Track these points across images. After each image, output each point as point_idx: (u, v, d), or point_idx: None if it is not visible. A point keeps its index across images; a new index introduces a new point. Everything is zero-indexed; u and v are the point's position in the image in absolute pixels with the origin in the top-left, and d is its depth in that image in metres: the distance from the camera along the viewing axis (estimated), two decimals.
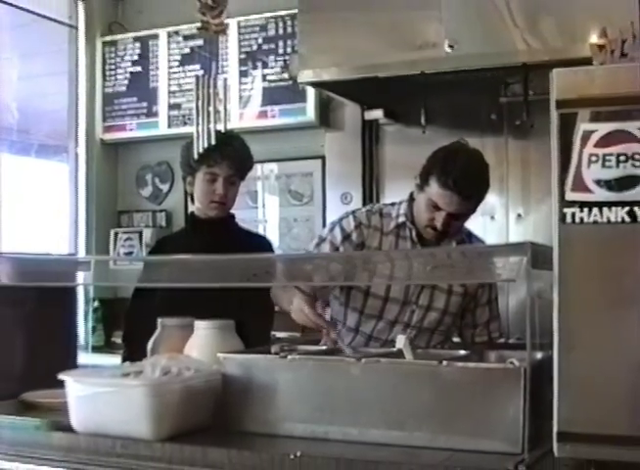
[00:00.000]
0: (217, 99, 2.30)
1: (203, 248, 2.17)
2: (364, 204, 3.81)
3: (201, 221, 2.51)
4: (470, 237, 2.31)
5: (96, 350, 4.19)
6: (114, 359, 3.76)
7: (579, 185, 1.30)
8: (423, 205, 2.16)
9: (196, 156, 1.97)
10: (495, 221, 3.69)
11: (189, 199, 2.60)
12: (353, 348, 1.88)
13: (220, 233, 2.47)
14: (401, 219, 2.24)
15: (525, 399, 1.40)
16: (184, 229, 2.76)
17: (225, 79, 2.60)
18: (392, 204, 2.32)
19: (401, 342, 1.66)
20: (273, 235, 4.06)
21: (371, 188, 3.89)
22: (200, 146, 1.92)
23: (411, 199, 2.27)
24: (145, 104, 4.39)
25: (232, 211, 2.55)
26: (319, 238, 2.27)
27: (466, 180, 2.09)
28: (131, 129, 4.41)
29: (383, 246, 2.23)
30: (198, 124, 1.96)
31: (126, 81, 4.45)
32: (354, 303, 2.27)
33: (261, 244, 2.56)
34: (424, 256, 1.55)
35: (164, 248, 2.53)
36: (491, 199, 3.71)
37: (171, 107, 4.32)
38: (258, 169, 4.18)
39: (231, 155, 2.42)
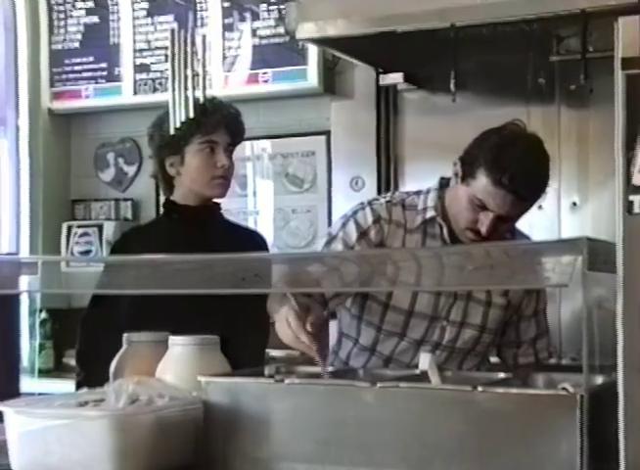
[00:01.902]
0: (195, 59, 2.31)
1: (182, 244, 2.18)
2: (379, 191, 3.83)
3: (183, 210, 2.52)
4: (512, 233, 2.27)
5: (44, 373, 4.21)
6: (67, 385, 3.79)
7: None
8: (465, 201, 2.13)
9: (172, 130, 1.98)
10: (544, 212, 3.69)
11: (162, 186, 2.61)
12: (365, 369, 1.89)
13: (205, 226, 2.49)
14: (430, 214, 2.22)
15: (581, 435, 1.41)
16: (157, 220, 2.78)
17: (204, 36, 2.61)
18: (418, 193, 2.29)
19: (426, 362, 1.67)
20: (266, 230, 4.08)
21: (388, 171, 3.91)
22: (177, 119, 1.93)
23: (442, 187, 2.25)
24: (104, 65, 4.40)
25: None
26: (329, 235, 2.25)
27: (525, 178, 2.07)
28: (87, 97, 4.43)
29: (406, 245, 2.21)
30: (174, 91, 1.97)
31: (79, 36, 4.46)
32: (370, 316, 2.26)
33: (253, 240, 2.58)
34: (457, 254, 1.56)
35: (132, 244, 2.54)
36: None
37: (138, 69, 4.34)
38: (247, 148, 4.20)
39: (228, 119, 2.47)
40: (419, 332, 2.24)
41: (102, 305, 2.50)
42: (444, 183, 2.26)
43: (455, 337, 2.25)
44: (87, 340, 2.56)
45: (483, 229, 2.12)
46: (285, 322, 1.93)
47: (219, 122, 2.45)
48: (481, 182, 2.09)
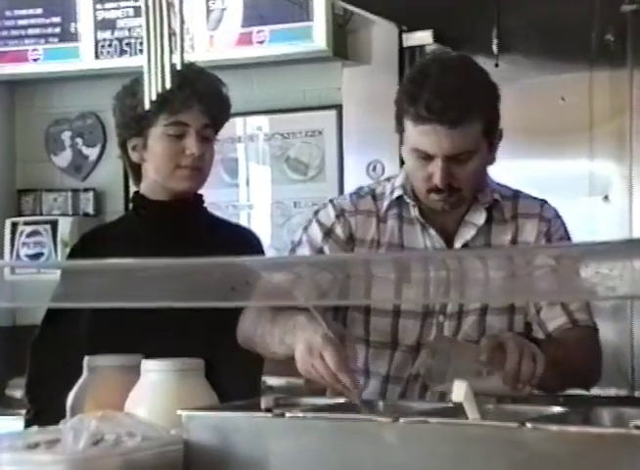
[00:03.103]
0: (172, 12, 2.31)
1: (155, 246, 2.19)
2: None
3: (153, 205, 2.54)
4: (516, 199, 2.35)
5: None
6: (12, 423, 3.81)
7: None
8: (410, 159, 2.25)
9: (147, 103, 1.99)
10: (610, 204, 3.72)
11: (131, 174, 2.63)
12: (385, 400, 1.90)
13: (183, 223, 2.51)
14: (397, 193, 2.33)
15: None
16: (125, 218, 2.79)
17: None
18: (389, 178, 2.42)
19: (460, 391, 1.68)
20: (262, 228, 4.11)
21: None
22: (152, 89, 1.94)
23: None
24: (57, 19, 4.42)
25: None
26: (292, 243, 2.38)
27: (443, 99, 2.15)
28: (35, 60, 4.45)
29: (381, 236, 2.31)
30: (150, 54, 1.97)
31: None
32: (353, 328, 2.32)
33: (243, 241, 2.59)
34: (485, 257, 1.57)
35: (94, 247, 2.56)
36: (604, 169, 3.73)
37: (100, 25, 4.36)
38: (239, 126, 4.22)
39: (203, 93, 2.46)
40: (412, 336, 2.29)
41: (58, 321, 2.51)
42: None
43: (455, 331, 2.29)
44: (39, 366, 2.58)
45: (437, 180, 2.20)
46: (317, 358, 1.97)
47: (190, 98, 2.43)
48: (409, 128, 2.20)
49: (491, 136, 2.24)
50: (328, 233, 2.33)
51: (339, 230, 2.32)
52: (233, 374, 2.16)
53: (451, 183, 2.20)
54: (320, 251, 2.31)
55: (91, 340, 2.37)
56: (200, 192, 2.59)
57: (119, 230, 2.64)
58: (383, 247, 2.30)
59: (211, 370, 1.91)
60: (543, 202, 2.37)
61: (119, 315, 2.00)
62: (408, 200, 2.31)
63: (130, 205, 2.69)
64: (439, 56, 2.29)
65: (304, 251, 2.32)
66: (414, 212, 2.31)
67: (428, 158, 2.19)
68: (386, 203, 2.34)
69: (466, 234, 2.29)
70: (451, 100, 2.16)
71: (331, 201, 2.39)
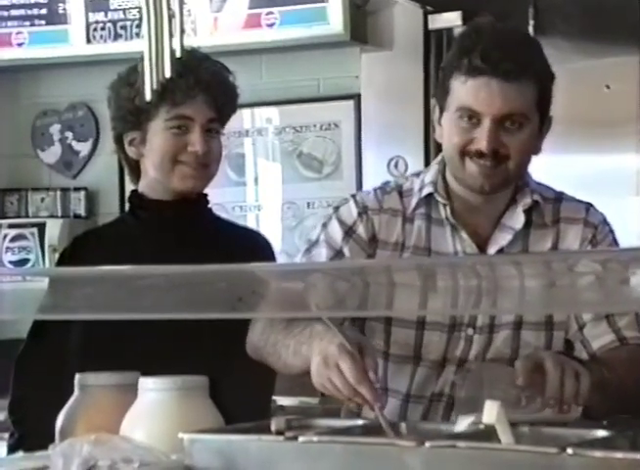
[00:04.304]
0: None
1: (155, 251, 2.20)
2: None
3: (152, 205, 2.56)
4: (558, 202, 2.35)
5: None
6: None
7: None
8: (452, 127, 2.25)
9: (148, 93, 2.00)
10: None
11: (128, 172, 2.64)
12: (408, 421, 1.91)
13: (186, 226, 2.52)
14: (426, 191, 2.32)
15: None
16: (121, 220, 2.80)
17: None
18: (418, 173, 2.42)
19: (492, 412, 1.69)
20: (272, 230, 4.12)
21: (439, 147, 3.89)
22: (153, 78, 1.95)
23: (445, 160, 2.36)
24: (44, 0, 4.44)
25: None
26: (308, 242, 2.38)
27: (502, 49, 2.19)
28: (20, 44, 4.47)
29: (407, 237, 2.33)
30: (150, 38, 1.98)
31: None
32: (372, 340, 2.31)
33: (251, 245, 2.60)
34: (521, 263, 1.57)
35: (87, 251, 2.58)
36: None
37: (92, 6, 4.37)
38: (246, 118, 4.24)
39: (208, 83, 2.47)
40: (437, 350, 2.30)
41: (45, 335, 2.53)
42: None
43: (485, 347, 2.29)
44: (24, 385, 2.59)
45: (483, 144, 2.20)
46: (334, 370, 1.98)
47: (193, 88, 2.44)
48: (456, 86, 2.22)
49: (543, 112, 2.25)
50: (349, 232, 2.33)
51: (361, 229, 2.32)
52: (241, 393, 2.17)
53: (498, 149, 2.21)
54: (339, 251, 2.31)
55: (83, 356, 2.38)
56: (204, 191, 2.60)
57: (115, 233, 2.66)
58: (408, 250, 2.31)
59: (217, 389, 1.92)
60: (589, 205, 2.37)
61: (114, 328, 2.01)
62: (439, 198, 2.31)
63: (127, 205, 2.70)
64: (493, 20, 2.32)
65: (322, 251, 2.32)
66: (445, 212, 2.31)
67: (475, 120, 2.20)
68: (414, 201, 2.34)
69: (501, 239, 2.29)
70: (509, 52, 2.19)
71: (353, 196, 2.39)
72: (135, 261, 1.66)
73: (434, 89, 2.31)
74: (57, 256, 4.19)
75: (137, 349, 2.16)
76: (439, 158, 2.38)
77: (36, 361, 2.54)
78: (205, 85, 2.45)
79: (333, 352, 1.99)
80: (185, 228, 2.53)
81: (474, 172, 2.24)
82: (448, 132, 2.26)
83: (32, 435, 2.31)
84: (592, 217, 2.34)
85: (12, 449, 2.40)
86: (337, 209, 2.38)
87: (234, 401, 2.00)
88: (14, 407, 2.59)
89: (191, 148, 2.46)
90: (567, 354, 2.22)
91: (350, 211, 2.34)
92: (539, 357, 2.04)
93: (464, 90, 2.20)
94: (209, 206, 2.63)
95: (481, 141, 2.20)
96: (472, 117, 2.20)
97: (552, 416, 2.05)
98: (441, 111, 2.28)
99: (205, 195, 2.60)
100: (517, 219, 2.30)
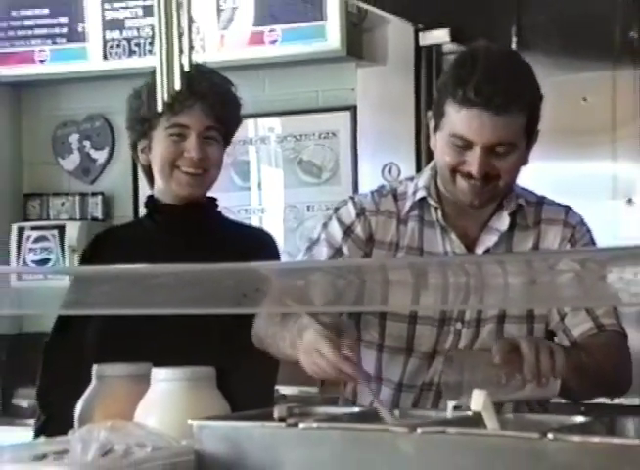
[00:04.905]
0: (181, 12, 2.31)
1: (167, 251, 2.19)
2: None
3: (165, 209, 2.55)
4: (540, 205, 2.35)
5: None
6: (19, 433, 3.82)
7: None
8: (444, 147, 2.23)
9: (160, 104, 1.99)
10: (634, 207, 3.71)
11: (145, 177, 2.64)
12: (401, 409, 1.91)
13: (194, 228, 2.51)
14: (420, 195, 2.32)
15: None
16: (138, 222, 2.80)
17: None
18: (412, 178, 2.42)
19: (479, 400, 1.69)
20: (275, 232, 4.08)
21: (430, 155, 3.86)
22: (164, 90, 1.94)
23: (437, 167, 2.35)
24: (64, 19, 4.44)
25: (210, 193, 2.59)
26: (310, 240, 2.39)
27: (494, 84, 2.16)
28: (42, 61, 4.47)
29: (401, 238, 2.32)
30: (162, 53, 1.98)
31: None
32: (368, 333, 2.34)
33: (256, 244, 2.59)
34: (505, 262, 1.56)
35: (106, 249, 2.58)
36: (627, 171, 3.72)
37: (108, 25, 4.37)
38: (250, 128, 4.23)
39: (205, 94, 2.46)
40: (428, 342, 2.30)
41: (69, 328, 2.53)
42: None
43: (472, 340, 2.29)
44: (51, 373, 2.58)
45: (474, 169, 2.19)
46: (315, 353, 1.99)
47: (189, 98, 2.41)
48: (451, 113, 2.20)
49: (531, 134, 2.24)
50: (347, 232, 2.33)
51: (359, 229, 2.33)
52: (246, 383, 2.16)
53: (488, 173, 2.20)
54: (339, 249, 2.32)
55: (100, 348, 2.38)
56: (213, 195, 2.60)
57: (132, 234, 2.66)
58: (402, 250, 2.30)
59: (224, 379, 1.91)
60: (568, 208, 2.37)
61: (129, 323, 2.00)
62: (431, 201, 2.31)
63: (141, 208, 2.70)
64: (487, 45, 2.29)
65: (322, 249, 2.33)
66: (436, 215, 2.31)
67: (466, 146, 2.19)
68: (408, 204, 2.34)
69: (488, 240, 2.29)
70: (500, 86, 2.17)
71: (352, 198, 2.40)
72: (150, 260, 1.66)
73: (431, 105, 2.28)
74: (76, 255, 4.22)
75: (150, 342, 2.16)
76: (432, 164, 2.37)
77: (61, 352, 2.54)
78: (201, 95, 2.43)
79: (312, 339, 2.00)
80: (195, 230, 2.52)
81: (464, 189, 2.24)
82: (441, 150, 2.25)
83: (56, 419, 2.31)
84: (571, 219, 2.35)
85: (38, 433, 2.40)
86: (337, 210, 2.37)
87: (240, 391, 1.99)
88: (40, 395, 2.60)
89: (187, 154, 2.45)
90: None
91: (349, 212, 2.34)
92: (514, 339, 2.04)
93: (457, 118, 2.18)
94: (218, 209, 2.62)
95: (473, 166, 2.19)
96: (464, 143, 2.19)
97: (532, 392, 2.05)
98: (436, 127, 2.26)
99: (214, 199, 2.60)
100: (502, 222, 2.30)
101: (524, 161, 2.27)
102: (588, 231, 2.36)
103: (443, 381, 2.20)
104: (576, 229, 2.34)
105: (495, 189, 2.24)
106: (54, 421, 2.36)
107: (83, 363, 2.06)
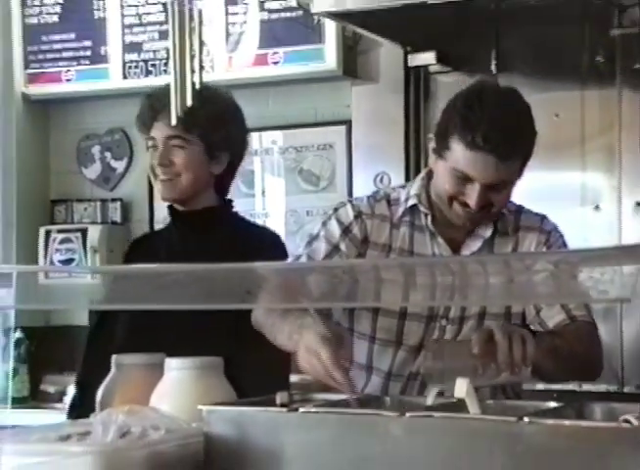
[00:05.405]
0: (193, 36, 2.31)
1: (181, 254, 2.20)
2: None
3: (178, 214, 2.56)
4: (518, 214, 2.35)
5: (18, 403, 4.24)
6: (45, 416, 3.81)
7: None
8: (446, 176, 2.20)
9: (174, 119, 2.00)
10: (601, 213, 3.71)
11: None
12: (392, 396, 1.90)
13: (205, 232, 2.51)
14: (412, 202, 2.31)
15: None
16: (168, 227, 2.80)
17: (200, 11, 2.60)
18: (404, 186, 2.41)
19: (462, 388, 1.68)
20: None
21: (418, 165, 3.92)
22: (178, 106, 1.94)
23: (429, 175, 2.33)
24: (88, 43, 4.44)
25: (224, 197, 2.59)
26: (309, 236, 2.37)
27: (502, 132, 2.13)
28: (68, 80, 4.47)
29: (393, 241, 2.31)
30: (176, 73, 1.98)
31: (58, 8, 4.49)
32: (361, 326, 2.33)
33: (267, 244, 2.56)
34: (488, 263, 1.56)
35: (138, 253, 2.60)
36: (595, 180, 3.73)
37: (127, 48, 4.37)
38: (255, 140, 4.22)
39: (166, 109, 2.47)
40: (416, 337, 2.29)
41: (104, 323, 2.55)
42: (432, 172, 2.32)
43: (456, 335, 2.30)
44: (89, 361, 2.57)
45: (472, 203, 2.18)
46: (314, 356, 1.99)
47: (156, 115, 2.46)
48: (457, 150, 2.16)
49: (526, 164, 2.23)
50: (345, 231, 2.32)
51: (356, 230, 2.31)
52: (255, 372, 2.16)
53: (484, 204, 2.19)
54: (337, 246, 2.30)
55: (126, 340, 2.40)
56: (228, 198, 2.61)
57: (159, 237, 2.68)
58: (394, 252, 2.29)
59: (234, 368, 1.92)
60: (544, 216, 2.37)
61: (151, 316, 2.00)
62: (422, 208, 2.30)
63: (156, 213, 2.72)
64: (493, 86, 2.26)
65: (321, 245, 2.31)
66: (426, 221, 2.29)
67: (467, 179, 2.17)
68: (400, 209, 2.32)
69: (473, 245, 2.28)
70: (507, 135, 2.14)
71: (350, 201, 2.39)
72: (169, 261, 1.66)
73: (435, 130, 2.25)
74: (97, 256, 4.24)
75: (164, 334, 2.16)
76: (423, 174, 2.36)
77: (96, 345, 2.53)
78: (162, 112, 2.41)
79: (315, 343, 1.99)
80: (203, 233, 2.52)
81: (459, 214, 2.23)
82: (442, 179, 2.22)
83: (85, 405, 2.31)
84: (546, 226, 2.34)
85: (71, 411, 2.45)
86: (336, 210, 2.36)
87: (249, 379, 2.00)
88: (77, 381, 2.61)
89: (154, 161, 2.47)
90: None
91: (347, 214, 2.33)
92: (491, 330, 2.03)
93: (463, 157, 2.15)
94: (231, 211, 2.62)
95: (471, 198, 2.17)
96: (465, 176, 2.16)
97: (506, 378, 2.05)
98: (439, 155, 2.22)
99: (230, 201, 2.60)
100: (486, 229, 2.29)
101: (518, 179, 2.26)
102: (561, 236, 2.36)
103: (424, 367, 2.19)
104: (551, 234, 2.33)
105: (488, 214, 2.24)
106: (82, 406, 2.36)
107: (113, 351, 2.07)
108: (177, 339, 2.14)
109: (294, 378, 2.40)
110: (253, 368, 2.20)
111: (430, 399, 1.74)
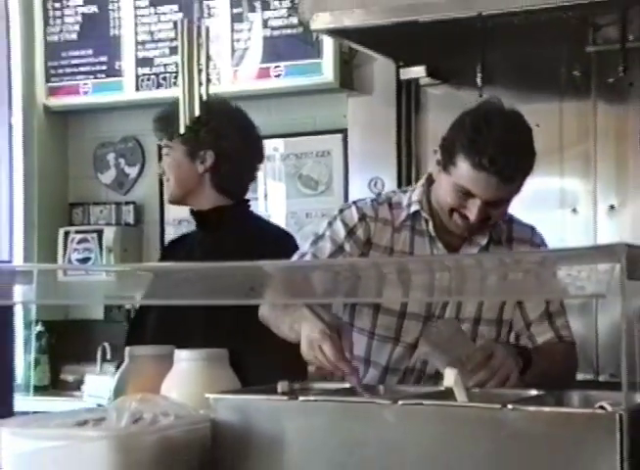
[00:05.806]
0: (200, 51, 2.31)
1: (206, 251, 2.23)
2: None
3: (194, 215, 2.62)
4: (510, 223, 2.33)
5: (39, 391, 4.24)
6: (64, 403, 3.80)
7: None
8: (448, 189, 2.18)
9: (182, 128, 2.01)
10: (578, 215, 3.71)
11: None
12: (385, 385, 1.89)
13: (219, 228, 2.52)
14: (414, 208, 2.28)
15: (621, 458, 1.40)
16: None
17: (207, 28, 2.60)
18: (405, 190, 2.38)
19: (451, 377, 1.68)
20: None
21: (409, 172, 3.92)
22: (187, 116, 1.95)
23: (429, 182, 2.30)
24: (104, 58, 4.43)
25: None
26: (315, 235, 2.33)
27: (507, 156, 2.11)
28: (86, 92, 4.46)
29: (395, 244, 2.28)
30: (184, 85, 1.99)
31: (77, 27, 4.49)
32: (361, 322, 2.31)
33: (268, 242, 2.55)
34: (479, 262, 1.56)
35: (171, 253, 2.68)
36: (572, 185, 3.72)
37: (140, 63, 4.36)
38: None
39: (166, 118, 2.50)
40: (413, 335, 2.27)
41: (137, 318, 2.62)
42: (432, 179, 2.30)
43: None
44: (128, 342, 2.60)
45: (472, 216, 2.16)
46: (317, 349, 1.98)
47: (160, 126, 2.59)
48: (462, 168, 2.13)
49: (524, 183, 2.20)
50: (350, 233, 2.28)
51: (360, 232, 2.28)
52: (260, 362, 2.17)
53: (483, 218, 2.18)
54: (341, 246, 2.27)
55: (154, 333, 2.42)
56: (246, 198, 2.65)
57: (183, 239, 2.72)
58: (395, 254, 2.26)
59: (240, 359, 1.92)
60: (533, 228, 2.36)
61: (171, 313, 2.01)
62: (424, 214, 2.27)
63: (166, 215, 2.76)
64: (500, 109, 2.21)
65: (326, 244, 2.28)
66: (426, 226, 2.27)
67: (468, 194, 2.15)
68: (403, 214, 2.29)
69: (469, 251, 2.25)
70: (511, 159, 2.12)
71: (354, 203, 2.35)
72: (190, 259, 1.66)
73: (441, 144, 2.22)
74: (112, 255, 4.26)
75: (178, 327, 2.17)
76: (423, 180, 2.33)
77: (131, 337, 2.56)
78: (156, 124, 2.60)
79: (316, 337, 1.98)
80: (215, 233, 2.54)
81: (459, 224, 2.21)
82: (445, 191, 2.20)
83: None
84: (536, 238, 2.35)
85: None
86: (341, 211, 2.33)
87: (249, 368, 1.99)
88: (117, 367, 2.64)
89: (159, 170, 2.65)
90: (516, 345, 2.23)
91: (352, 216, 2.29)
92: (493, 350, 2.02)
93: (467, 176, 2.12)
94: (245, 211, 2.66)
95: (472, 213, 2.16)
96: (467, 193, 2.14)
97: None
98: (444, 168, 2.19)
99: (246, 201, 2.63)
100: (483, 237, 2.27)
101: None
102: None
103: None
104: (540, 248, 2.33)
105: (486, 226, 2.23)
106: None
107: (144, 341, 2.09)
108: (188, 332, 2.14)
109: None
110: (259, 358, 2.20)
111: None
